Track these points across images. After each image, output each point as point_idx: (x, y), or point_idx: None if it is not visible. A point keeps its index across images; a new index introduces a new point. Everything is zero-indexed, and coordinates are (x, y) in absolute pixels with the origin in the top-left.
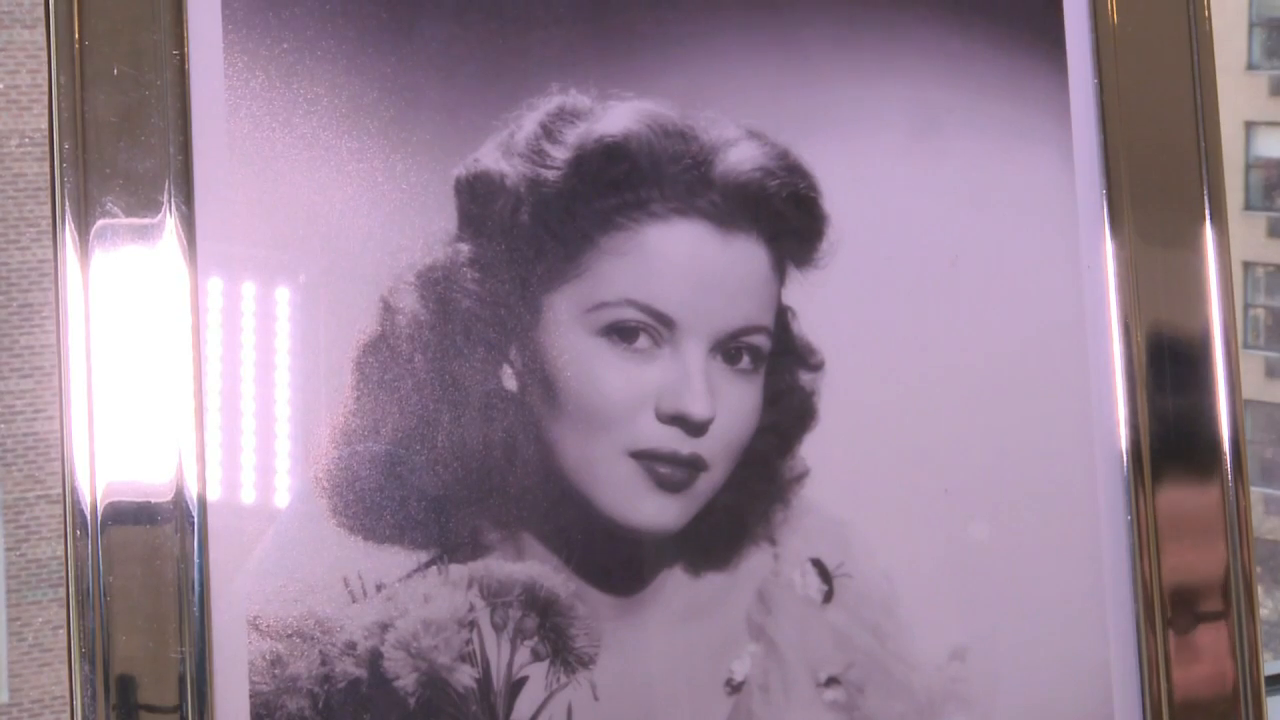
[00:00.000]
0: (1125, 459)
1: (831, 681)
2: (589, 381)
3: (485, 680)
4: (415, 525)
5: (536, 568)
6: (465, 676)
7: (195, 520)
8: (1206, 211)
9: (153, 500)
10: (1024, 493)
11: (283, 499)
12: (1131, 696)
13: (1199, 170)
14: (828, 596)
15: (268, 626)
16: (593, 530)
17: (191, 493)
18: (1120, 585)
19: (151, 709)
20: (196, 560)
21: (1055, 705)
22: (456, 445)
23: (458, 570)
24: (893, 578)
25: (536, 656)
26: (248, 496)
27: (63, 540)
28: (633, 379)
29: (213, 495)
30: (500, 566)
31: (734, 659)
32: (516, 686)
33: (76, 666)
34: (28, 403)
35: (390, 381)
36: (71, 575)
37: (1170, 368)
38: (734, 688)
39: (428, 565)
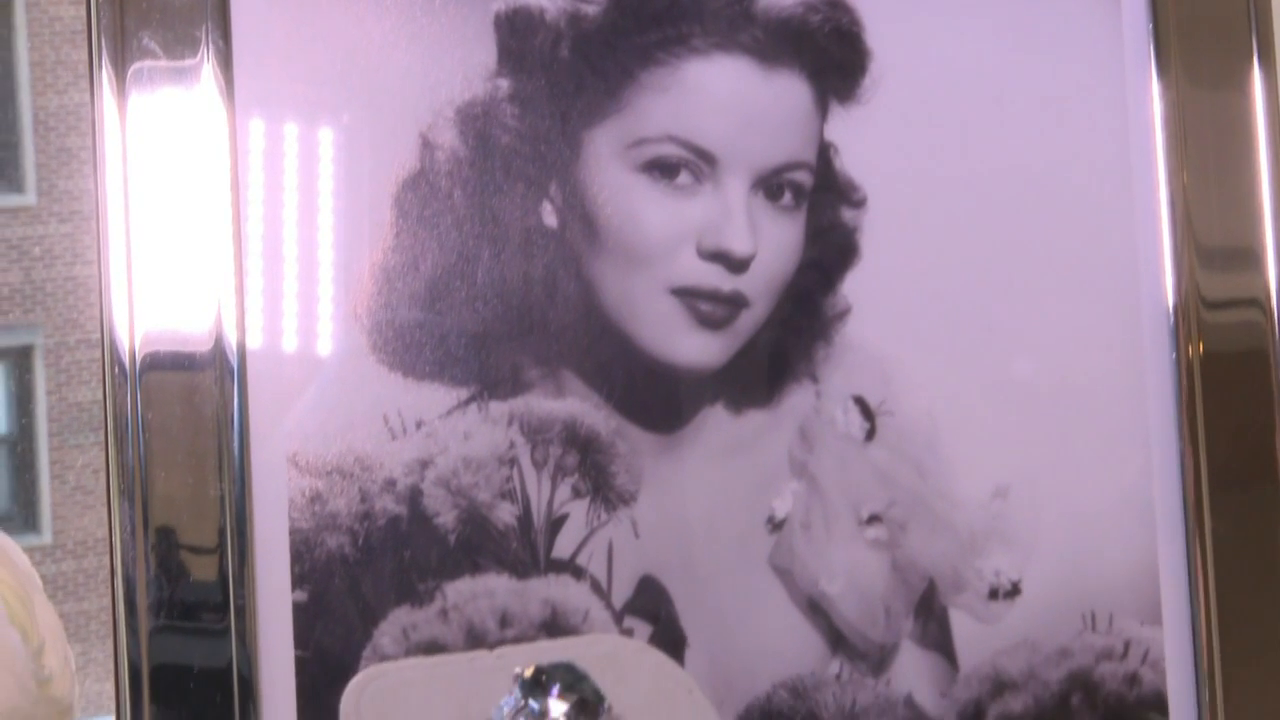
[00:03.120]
0: (1170, 299)
1: (873, 519)
2: (629, 218)
3: (525, 517)
4: (455, 362)
5: (577, 405)
6: (505, 514)
7: (235, 365)
8: (1255, 52)
9: (192, 350)
10: (1068, 330)
11: (323, 337)
12: (1176, 535)
13: (1247, 9)
14: (870, 434)
15: (307, 464)
16: (633, 367)
17: (231, 339)
18: (1165, 423)
19: (194, 549)
20: (236, 399)
21: (1098, 542)
22: (496, 282)
23: (498, 407)
24: (935, 415)
25: (577, 494)
26: (288, 337)
27: (101, 384)
28: (673, 215)
29: (252, 337)
30: (540, 403)
31: (775, 496)
32: (557, 524)
33: (116, 504)
34: (66, 247)
35: (429, 218)
36: (110, 414)
37: (1218, 210)
38: (775, 525)
39: (468, 402)
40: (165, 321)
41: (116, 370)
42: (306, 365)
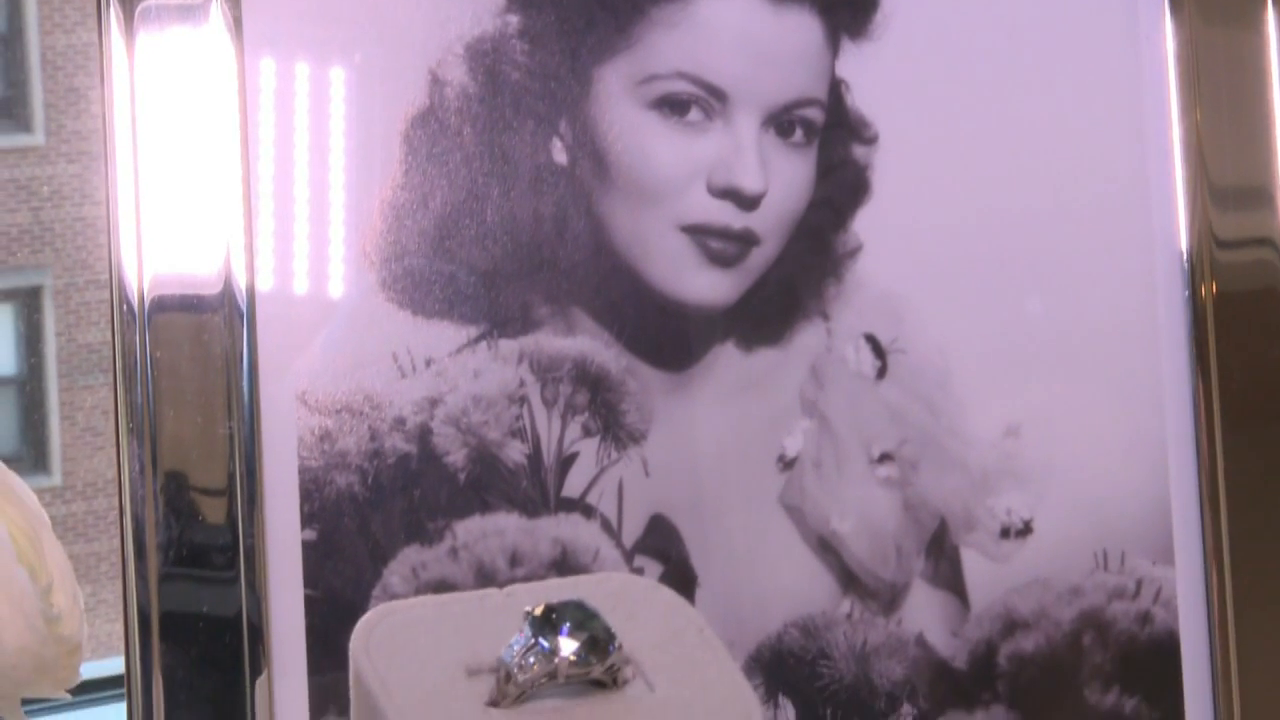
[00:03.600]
0: (1183, 238)
1: (885, 457)
2: (640, 155)
3: (535, 456)
4: (464, 300)
5: (587, 343)
6: (515, 452)
7: (244, 304)
8: None
9: (201, 290)
10: (1080, 269)
11: (333, 276)
12: (1188, 474)
13: None
14: (881, 372)
15: (316, 402)
16: (644, 305)
17: (240, 278)
18: (1177, 362)
19: (203, 487)
20: (245, 337)
21: (1111, 482)
22: (506, 219)
23: (507, 345)
24: (947, 353)
25: (587, 432)
26: (297, 275)
27: (110, 325)
28: (684, 152)
29: (262, 276)
30: (550, 341)
31: (786, 435)
32: (567, 462)
33: (124, 443)
34: (75, 188)
35: (438, 155)
36: (118, 354)
37: (1231, 149)
38: (786, 463)
39: (477, 340)
40: (174, 262)
41: (125, 311)
42: (315, 303)
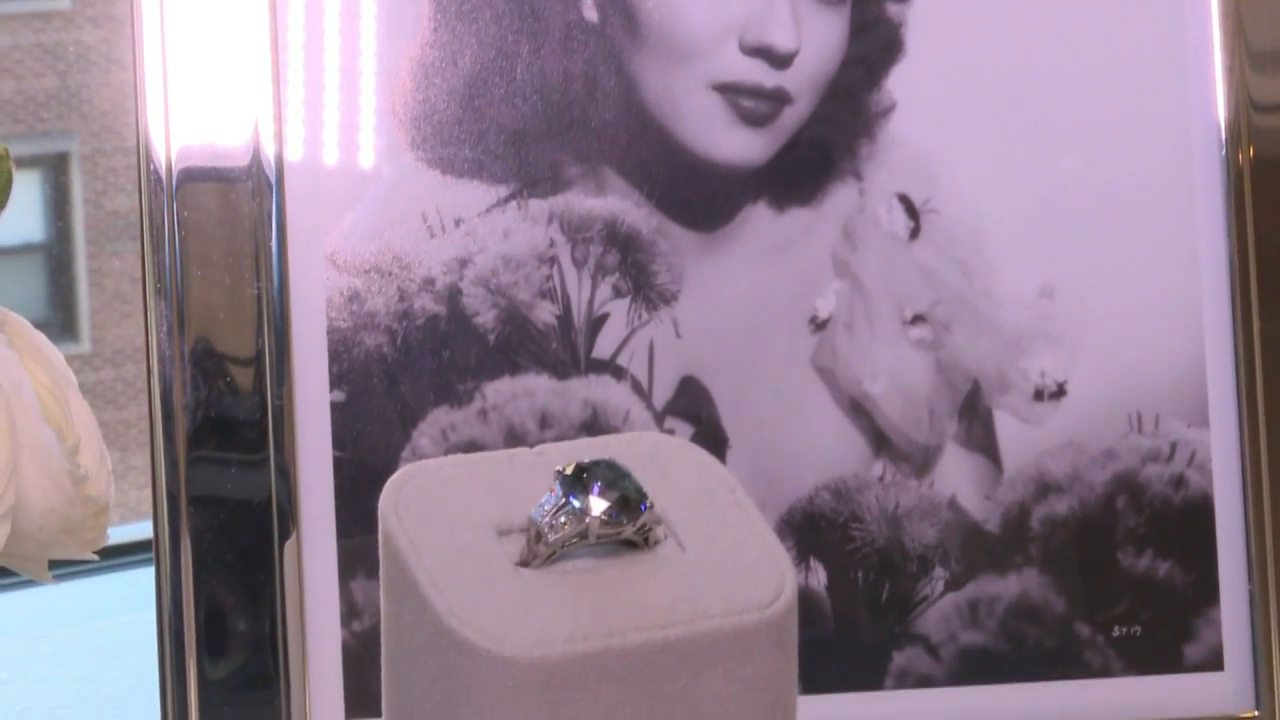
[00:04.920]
0: (1221, 102)
1: (917, 319)
2: (671, 12)
3: (566, 317)
4: (494, 159)
5: (618, 203)
6: (545, 313)
7: (273, 163)
8: None
9: (230, 152)
10: (1116, 129)
11: (362, 133)
12: (1224, 336)
13: None
14: (914, 232)
15: (345, 262)
16: (675, 164)
17: (269, 136)
18: (1213, 224)
19: (231, 348)
20: (274, 196)
21: (1145, 343)
22: (536, 77)
23: (537, 205)
24: (981, 214)
25: (618, 293)
26: (327, 132)
27: (138, 192)
28: (716, 9)
29: (291, 132)
30: (581, 201)
31: (818, 296)
32: (597, 323)
33: (152, 304)
34: (101, 53)
35: (468, 12)
36: (146, 216)
37: (1269, 12)
38: (818, 325)
39: (507, 200)
40: (203, 122)
41: (153, 180)
42: (344, 161)
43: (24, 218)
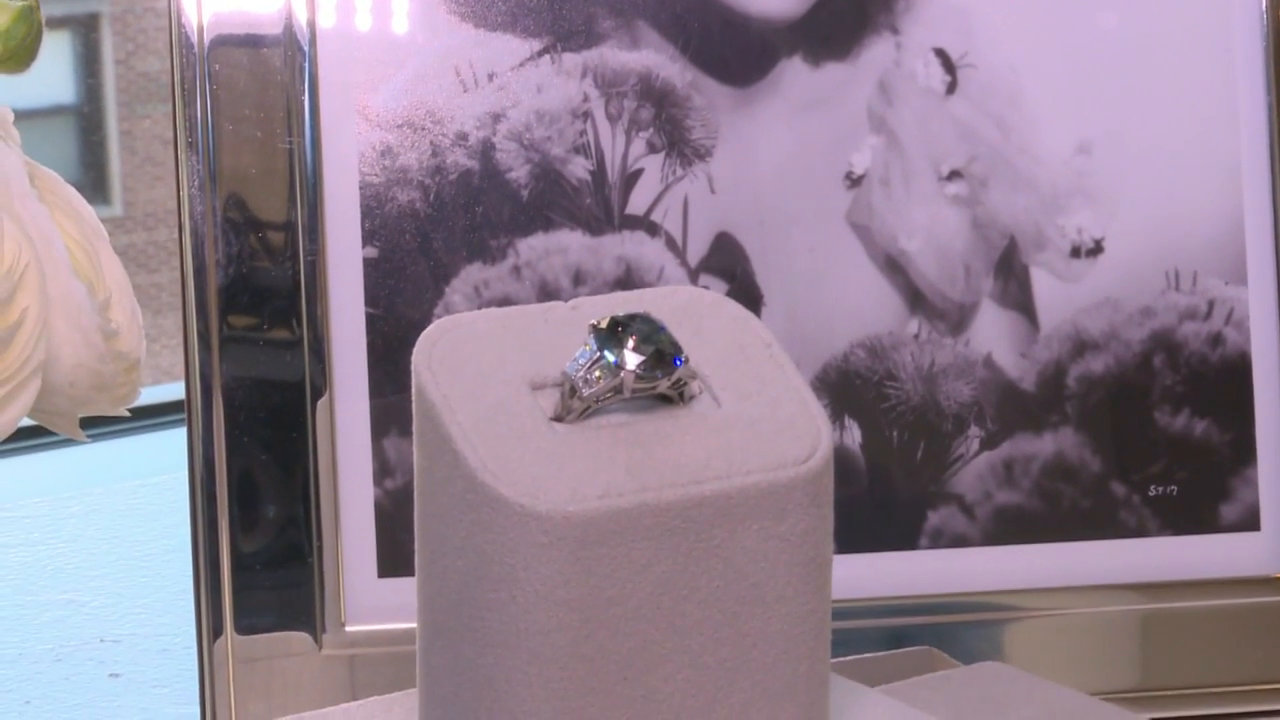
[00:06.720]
0: None
1: (953, 175)
2: None
3: (600, 172)
4: (527, 12)
5: (652, 57)
6: (579, 168)
7: (308, 34)
8: None
9: (262, 31)
10: None
11: None
12: (1263, 193)
13: None
14: (950, 87)
15: (377, 116)
16: (709, 18)
17: (300, 16)
18: (1254, 81)
19: (263, 203)
20: (306, 49)
21: (1183, 200)
22: None
23: (571, 59)
24: (1018, 68)
25: (652, 148)
26: None
27: (169, 52)
28: None
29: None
30: (615, 55)
31: (854, 151)
32: (631, 179)
33: (183, 159)
34: None
35: None
36: (177, 74)
37: None
38: (853, 181)
39: (540, 54)
40: None
41: (184, 41)
42: (378, 15)
43: (55, 80)
